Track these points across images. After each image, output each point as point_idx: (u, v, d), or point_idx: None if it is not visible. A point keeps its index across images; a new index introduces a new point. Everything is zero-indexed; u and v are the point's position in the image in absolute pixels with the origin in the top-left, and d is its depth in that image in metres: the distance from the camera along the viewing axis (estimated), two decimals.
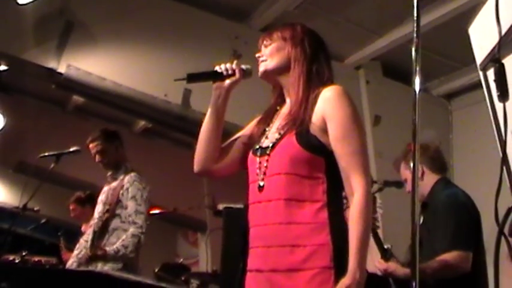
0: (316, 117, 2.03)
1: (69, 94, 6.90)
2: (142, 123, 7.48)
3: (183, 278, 5.17)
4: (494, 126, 2.20)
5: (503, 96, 1.94)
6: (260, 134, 2.20)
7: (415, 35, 1.77)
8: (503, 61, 1.95)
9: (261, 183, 2.07)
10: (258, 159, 2.11)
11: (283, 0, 5.02)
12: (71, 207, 5.70)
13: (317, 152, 2.01)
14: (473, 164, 5.29)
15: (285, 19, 4.68)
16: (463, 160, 5.53)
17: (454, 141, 5.74)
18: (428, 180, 3.38)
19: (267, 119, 2.23)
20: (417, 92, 1.73)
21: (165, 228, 8.83)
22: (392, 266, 3.26)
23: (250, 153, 2.17)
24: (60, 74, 5.03)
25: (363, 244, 1.90)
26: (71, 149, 4.42)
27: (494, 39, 1.98)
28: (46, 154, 4.46)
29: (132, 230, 3.93)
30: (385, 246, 3.37)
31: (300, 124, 2.03)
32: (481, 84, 2.35)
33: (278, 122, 2.16)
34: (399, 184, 3.64)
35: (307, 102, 2.06)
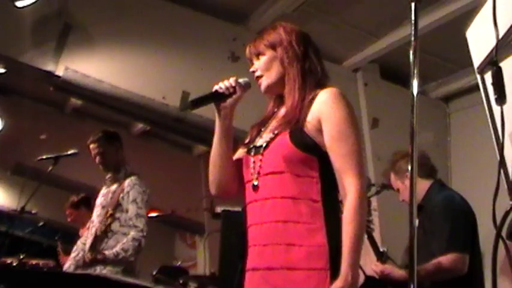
0: (311, 117, 2.03)
1: (67, 96, 6.91)
2: (140, 125, 7.48)
3: (181, 281, 5.16)
4: (491, 129, 2.20)
5: (500, 99, 1.94)
6: (254, 135, 2.20)
7: (412, 37, 1.76)
8: (501, 64, 1.95)
9: (255, 183, 2.07)
10: (252, 158, 2.11)
11: (281, 3, 5.02)
12: (67, 212, 5.67)
13: (310, 151, 2.01)
14: (471, 166, 5.29)
15: (283, 21, 4.69)
16: (460, 162, 5.53)
17: (451, 143, 5.74)
18: (421, 185, 3.38)
19: (262, 123, 2.23)
20: (415, 94, 1.73)
21: (163, 230, 8.83)
22: (389, 268, 3.26)
23: (245, 154, 2.17)
24: (58, 76, 5.03)
25: (355, 246, 1.89)
26: (69, 152, 4.42)
27: (492, 43, 1.98)
28: (44, 157, 4.46)
29: (133, 233, 3.92)
30: (381, 249, 3.38)
31: (294, 123, 2.04)
32: (478, 86, 2.36)
33: (273, 123, 2.17)
34: None
35: (302, 103, 2.06)
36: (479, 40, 2.31)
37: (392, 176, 3.54)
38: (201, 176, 8.01)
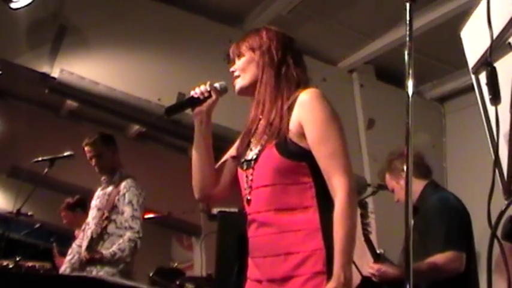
0: (293, 124, 2.03)
1: (62, 99, 6.89)
2: (136, 127, 7.47)
3: (177, 283, 5.16)
4: (486, 129, 2.21)
5: (495, 99, 1.94)
6: (245, 146, 2.19)
7: (407, 38, 1.77)
8: (495, 64, 1.96)
9: (248, 197, 2.08)
10: (244, 173, 2.11)
11: (277, 4, 5.02)
12: (62, 215, 5.66)
13: (299, 158, 2.00)
14: (467, 166, 5.30)
15: (279, 23, 4.69)
16: (456, 163, 5.55)
17: (447, 144, 5.75)
18: (416, 186, 3.38)
19: (250, 131, 2.21)
20: (410, 95, 1.74)
21: (159, 232, 8.81)
22: (384, 266, 3.27)
23: (238, 167, 2.17)
24: (54, 78, 5.02)
25: (347, 246, 1.88)
26: (65, 154, 4.42)
27: (486, 43, 1.98)
28: (40, 159, 4.46)
29: (128, 234, 3.93)
30: (378, 251, 3.38)
31: (277, 134, 2.03)
32: (473, 87, 2.36)
33: (258, 132, 2.14)
34: None
35: (281, 110, 2.05)
36: (474, 40, 2.32)
37: (388, 176, 3.53)
38: None
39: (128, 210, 3.99)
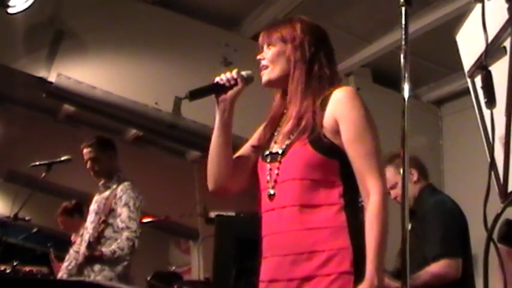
0: (327, 120, 1.98)
1: (60, 103, 6.89)
2: (133, 131, 7.47)
3: (175, 286, 5.16)
4: (482, 132, 2.22)
5: (490, 102, 1.95)
6: (268, 138, 2.13)
7: (403, 41, 1.77)
8: (490, 68, 1.97)
9: (272, 192, 2.00)
10: (268, 165, 2.04)
11: (273, 8, 5.03)
12: (59, 220, 5.56)
13: (331, 155, 1.95)
14: (464, 169, 5.31)
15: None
16: (453, 166, 5.55)
17: (444, 147, 5.76)
18: (413, 188, 3.39)
19: (273, 123, 2.16)
20: (406, 98, 1.74)
21: (157, 236, 8.81)
22: (385, 280, 3.26)
23: (260, 159, 2.10)
24: (51, 83, 5.02)
25: (381, 248, 1.83)
26: (62, 158, 4.42)
27: (481, 47, 1.99)
28: (37, 163, 4.46)
29: (126, 234, 3.94)
30: None
31: (311, 129, 1.97)
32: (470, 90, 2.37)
33: (286, 126, 2.08)
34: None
35: (314, 106, 2.00)
36: (469, 44, 2.33)
37: (392, 170, 3.46)
38: (195, 181, 8.00)
39: (124, 212, 3.99)
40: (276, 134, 2.12)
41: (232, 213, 4.26)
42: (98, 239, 3.98)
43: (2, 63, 5.06)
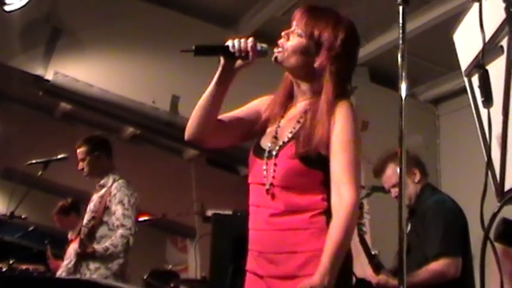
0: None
1: (56, 101, 6.88)
2: (130, 129, 7.46)
3: (172, 285, 5.15)
4: (479, 131, 2.22)
5: (487, 102, 1.96)
6: (267, 127, 2.12)
7: (400, 41, 1.77)
8: (487, 67, 1.97)
9: (268, 188, 2.00)
10: (264, 161, 2.04)
11: (271, 6, 5.03)
12: (55, 218, 5.54)
13: (316, 166, 1.97)
14: (461, 168, 5.31)
15: (273, 25, 4.69)
16: (450, 165, 5.55)
17: (441, 146, 5.76)
18: (412, 188, 3.40)
19: (278, 113, 2.12)
20: (403, 97, 1.74)
21: (153, 234, 8.81)
22: (383, 278, 3.27)
23: (254, 152, 2.10)
24: (48, 80, 5.02)
25: (340, 251, 1.85)
26: (59, 156, 4.41)
27: (478, 46, 1.99)
28: (34, 161, 4.45)
29: (120, 231, 3.93)
30: (372, 252, 3.38)
31: (314, 144, 1.96)
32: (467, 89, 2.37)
33: (289, 124, 2.08)
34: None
35: (329, 125, 1.98)
36: (466, 43, 2.33)
37: (394, 167, 3.46)
38: (192, 179, 8.00)
39: (119, 209, 3.98)
40: (278, 127, 2.10)
41: (229, 212, 4.25)
42: (89, 236, 3.97)
43: None
